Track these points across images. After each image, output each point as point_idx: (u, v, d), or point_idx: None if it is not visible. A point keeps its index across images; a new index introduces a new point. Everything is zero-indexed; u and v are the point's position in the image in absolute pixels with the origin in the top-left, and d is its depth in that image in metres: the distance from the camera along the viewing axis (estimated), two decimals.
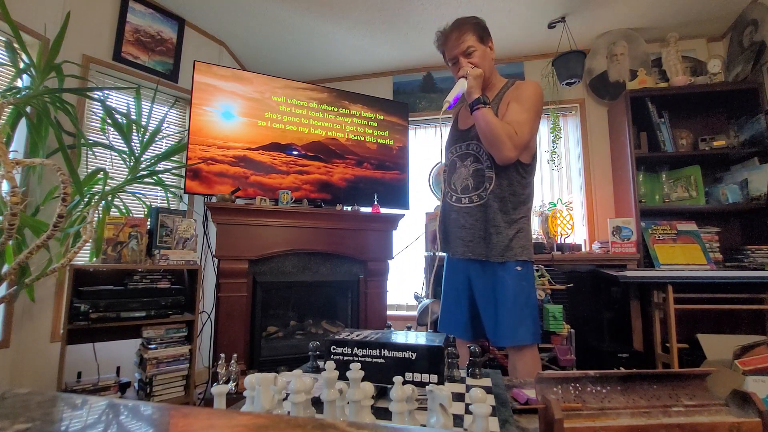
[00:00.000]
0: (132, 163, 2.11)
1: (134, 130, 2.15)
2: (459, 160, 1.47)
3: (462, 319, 1.44)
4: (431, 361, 0.72)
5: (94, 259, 2.00)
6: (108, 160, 2.27)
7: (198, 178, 2.33)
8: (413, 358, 0.73)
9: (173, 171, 2.46)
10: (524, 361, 1.31)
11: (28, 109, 1.77)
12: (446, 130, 1.72)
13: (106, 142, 2.19)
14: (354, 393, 0.58)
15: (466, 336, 1.44)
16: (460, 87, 1.34)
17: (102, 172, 1.98)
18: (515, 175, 1.38)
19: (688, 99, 2.65)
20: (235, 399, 1.77)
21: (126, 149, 2.10)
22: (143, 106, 2.24)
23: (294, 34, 2.95)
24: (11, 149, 1.78)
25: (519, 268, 1.34)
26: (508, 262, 1.34)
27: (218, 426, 0.29)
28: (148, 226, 2.11)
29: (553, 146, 2.96)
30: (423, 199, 3.16)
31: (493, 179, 1.38)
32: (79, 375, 1.92)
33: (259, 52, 3.19)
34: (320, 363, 0.93)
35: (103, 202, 1.95)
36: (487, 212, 1.38)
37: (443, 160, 1.56)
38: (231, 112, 2.47)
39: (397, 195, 2.91)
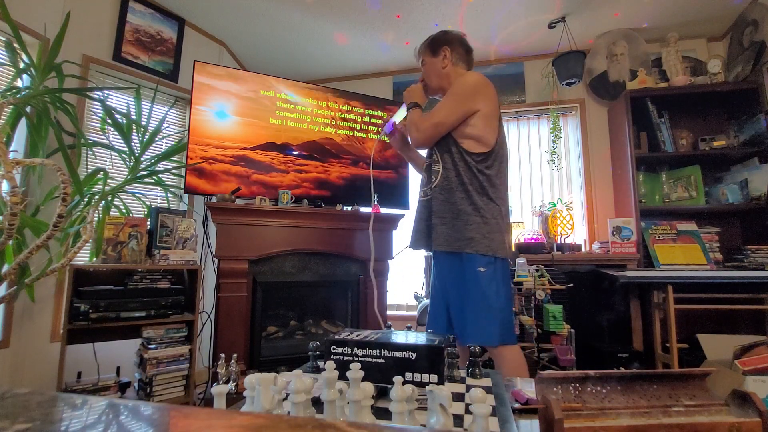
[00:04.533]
0: (132, 163, 2.11)
1: (134, 130, 2.15)
2: (426, 156, 1.57)
3: (443, 315, 1.45)
4: (431, 361, 0.72)
5: (94, 259, 2.00)
6: (108, 160, 2.27)
7: (199, 178, 2.33)
8: (413, 358, 0.73)
9: (173, 171, 2.45)
10: (506, 363, 1.29)
11: (28, 109, 1.77)
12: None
13: (106, 142, 2.19)
14: (354, 393, 0.58)
15: (448, 332, 1.42)
16: (398, 113, 1.66)
17: (102, 172, 1.98)
18: (462, 164, 1.39)
19: (688, 99, 2.66)
20: (235, 399, 1.77)
21: (126, 149, 2.10)
22: (143, 106, 2.24)
23: (294, 34, 2.95)
24: (11, 149, 1.78)
25: (482, 269, 1.32)
26: (470, 258, 1.33)
27: (218, 426, 0.29)
28: (148, 226, 2.11)
29: (553, 146, 2.96)
30: None
31: (439, 173, 1.44)
32: (79, 375, 1.92)
33: (259, 52, 3.19)
34: (320, 363, 0.93)
35: (103, 202, 1.95)
36: (431, 205, 1.44)
37: None
38: (231, 113, 2.47)
39: (397, 195, 2.91)
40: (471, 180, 1.38)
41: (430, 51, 1.57)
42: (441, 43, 1.54)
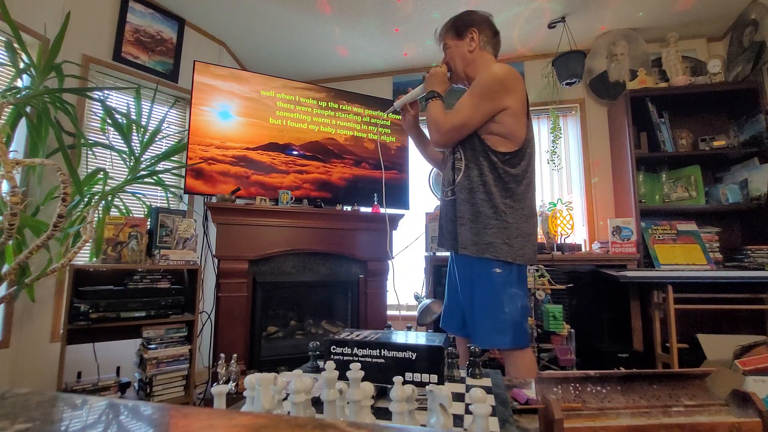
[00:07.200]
0: (132, 163, 2.11)
1: (134, 130, 2.15)
2: (449, 153, 1.46)
3: (457, 315, 1.43)
4: (431, 361, 0.72)
5: (94, 259, 2.00)
6: (108, 160, 2.27)
7: (199, 178, 2.33)
8: (413, 358, 0.73)
9: (173, 171, 2.46)
10: (516, 366, 1.27)
11: (28, 109, 1.77)
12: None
13: (106, 142, 2.19)
14: (354, 393, 0.58)
15: (463, 333, 1.42)
16: (412, 93, 1.49)
17: (102, 172, 1.98)
18: (487, 163, 1.30)
19: (688, 99, 2.65)
20: (235, 399, 1.77)
21: (126, 149, 2.10)
22: (143, 106, 2.24)
23: (294, 34, 2.95)
24: (11, 149, 1.78)
25: (498, 270, 1.27)
26: (485, 260, 1.28)
27: (218, 426, 0.29)
28: (148, 226, 2.11)
29: (553, 146, 2.96)
30: (423, 199, 3.16)
31: (461, 170, 1.36)
32: (79, 375, 1.92)
33: (259, 52, 3.19)
34: (320, 363, 0.93)
35: (103, 202, 1.95)
36: (455, 205, 1.37)
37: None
38: (231, 112, 2.47)
39: (397, 195, 2.91)
40: (495, 180, 1.29)
41: (454, 33, 1.43)
42: (467, 24, 1.41)
